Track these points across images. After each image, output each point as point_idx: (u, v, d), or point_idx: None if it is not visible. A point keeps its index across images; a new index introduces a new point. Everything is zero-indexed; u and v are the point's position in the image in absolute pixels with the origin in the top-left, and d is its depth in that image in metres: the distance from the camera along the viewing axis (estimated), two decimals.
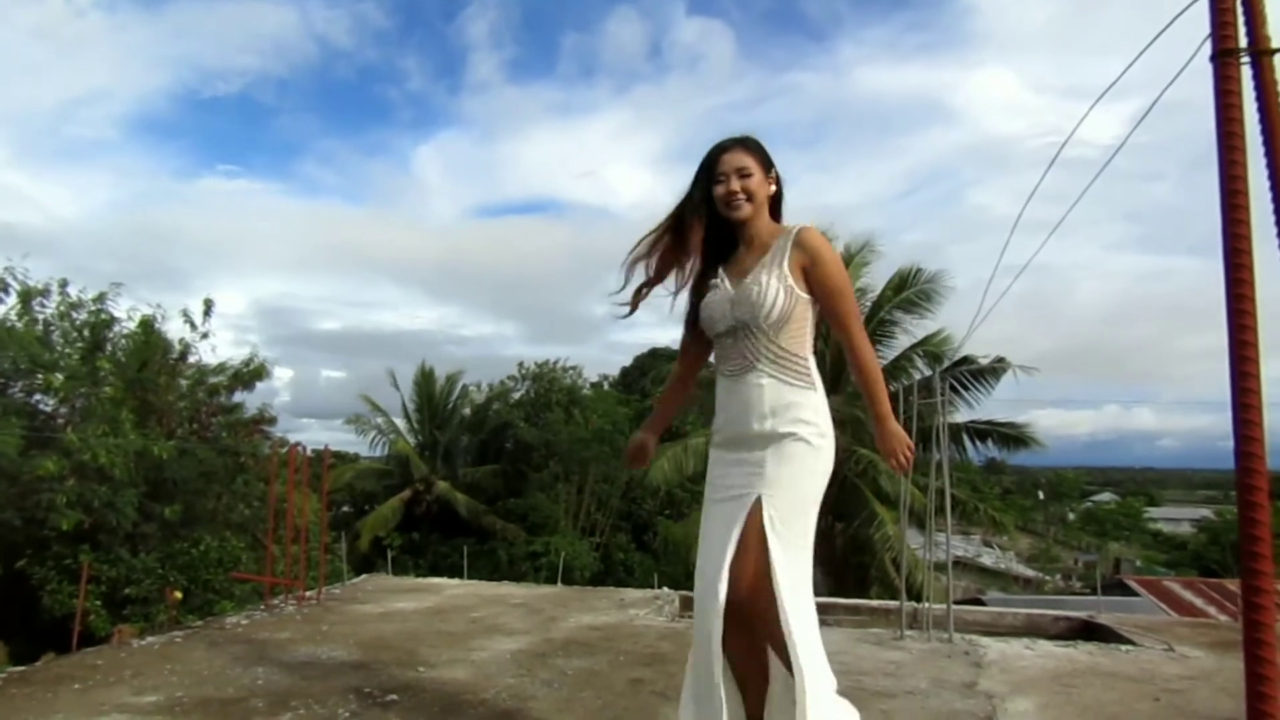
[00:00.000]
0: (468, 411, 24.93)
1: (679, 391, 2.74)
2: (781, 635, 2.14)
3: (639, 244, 2.48)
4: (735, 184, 2.33)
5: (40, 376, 10.52)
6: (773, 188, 2.42)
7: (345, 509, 23.66)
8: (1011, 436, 15.40)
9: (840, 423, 14.37)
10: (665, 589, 6.79)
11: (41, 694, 3.40)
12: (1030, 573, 39.71)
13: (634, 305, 2.54)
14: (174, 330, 12.65)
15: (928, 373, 14.78)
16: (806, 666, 2.13)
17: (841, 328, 2.37)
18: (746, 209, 2.35)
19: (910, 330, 15.49)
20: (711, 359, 2.57)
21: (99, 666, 3.86)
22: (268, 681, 3.64)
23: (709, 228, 2.46)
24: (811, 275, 2.32)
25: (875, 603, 6.58)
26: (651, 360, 29.55)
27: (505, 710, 3.26)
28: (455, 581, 7.12)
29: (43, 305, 11.14)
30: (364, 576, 7.32)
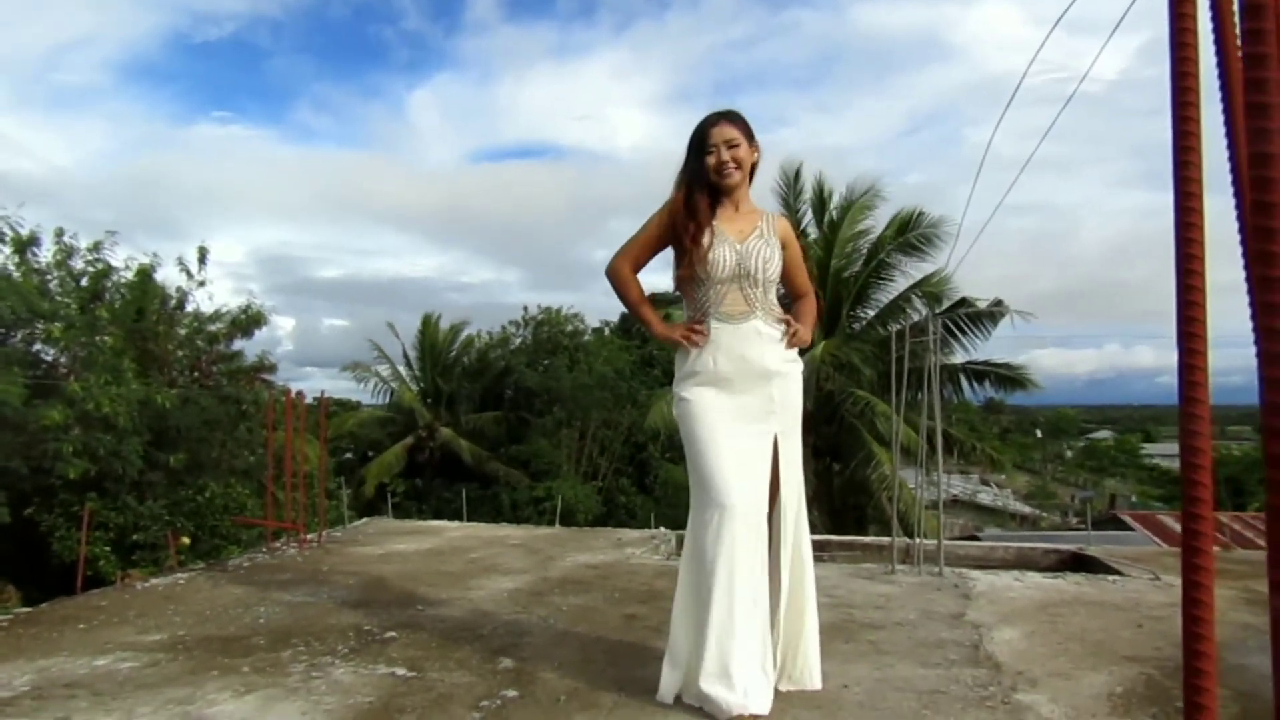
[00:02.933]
0: (468, 360, 24.94)
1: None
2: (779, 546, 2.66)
3: (687, 254, 2.68)
4: (725, 154, 2.63)
5: (40, 326, 10.51)
6: (756, 155, 2.74)
7: (348, 456, 23.83)
8: (1008, 378, 15.44)
9: (839, 365, 14.46)
10: (662, 529, 6.87)
11: (47, 634, 3.47)
12: (1027, 510, 40.18)
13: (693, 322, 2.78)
14: (170, 278, 12.59)
15: (925, 313, 14.76)
16: (809, 573, 2.72)
17: (802, 291, 2.96)
18: (737, 177, 2.67)
19: (908, 272, 15.44)
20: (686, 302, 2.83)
21: (103, 607, 3.93)
22: (269, 620, 3.71)
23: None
24: (786, 251, 2.78)
25: (868, 539, 6.66)
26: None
27: (501, 645, 3.33)
28: (455, 524, 7.20)
29: (35, 254, 11.06)
30: (365, 520, 7.42)
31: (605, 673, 2.98)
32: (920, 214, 15.19)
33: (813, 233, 15.72)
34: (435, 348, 23.99)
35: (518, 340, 24.89)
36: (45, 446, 9.64)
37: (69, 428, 9.75)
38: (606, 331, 27.58)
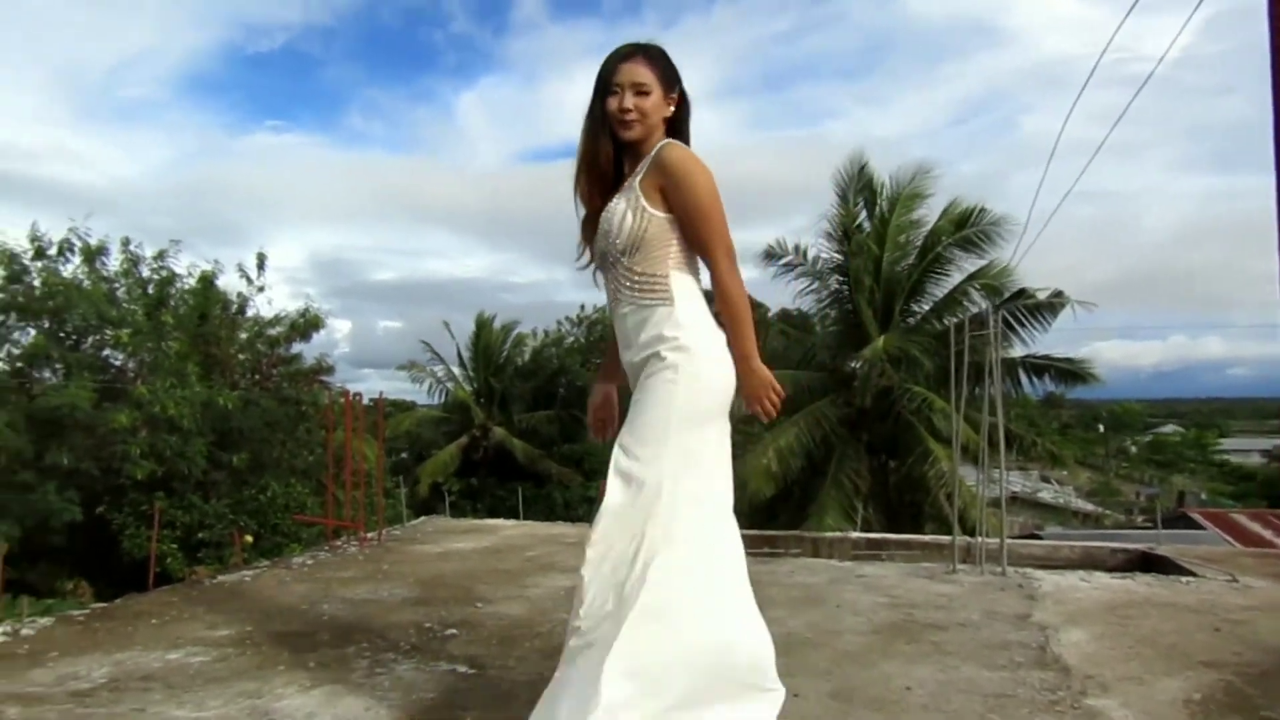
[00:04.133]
0: (520, 361, 25.17)
1: None
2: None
3: (577, 193, 2.23)
4: (629, 100, 2.06)
5: (109, 332, 10.90)
6: (671, 109, 2.15)
7: (404, 455, 24.23)
8: (1069, 372, 15.04)
9: (894, 360, 14.26)
10: None
11: (122, 628, 3.58)
12: (1090, 507, 39.11)
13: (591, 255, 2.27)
14: (231, 284, 12.96)
15: (984, 306, 14.46)
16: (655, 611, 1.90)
17: (704, 252, 2.11)
18: (637, 130, 2.09)
19: (964, 267, 15.11)
20: None
21: (174, 603, 4.04)
22: (332, 617, 3.78)
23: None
24: (671, 196, 2.06)
25: (928, 537, 6.56)
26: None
27: (559, 644, 3.32)
28: (511, 522, 7.27)
29: (103, 263, 11.47)
30: (423, 519, 7.52)
31: None
32: (981, 210, 14.81)
33: (866, 227, 15.51)
34: (489, 348, 24.24)
35: (571, 339, 25.05)
36: (114, 448, 9.98)
37: (137, 430, 10.08)
38: None
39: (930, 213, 15.44)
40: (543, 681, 2.87)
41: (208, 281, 12.48)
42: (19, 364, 10.78)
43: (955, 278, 15.16)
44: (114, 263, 11.63)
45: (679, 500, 1.97)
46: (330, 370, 14.35)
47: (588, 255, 2.25)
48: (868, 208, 15.67)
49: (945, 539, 5.76)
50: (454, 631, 3.52)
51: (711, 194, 2.07)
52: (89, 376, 10.17)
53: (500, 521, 7.31)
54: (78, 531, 10.51)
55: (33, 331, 10.78)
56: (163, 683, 2.87)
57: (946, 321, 14.31)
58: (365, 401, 7.20)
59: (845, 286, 15.35)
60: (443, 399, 24.56)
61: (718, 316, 2.14)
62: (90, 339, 11.25)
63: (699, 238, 2.08)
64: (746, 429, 21.65)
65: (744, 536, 2.28)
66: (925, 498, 14.77)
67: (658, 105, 2.09)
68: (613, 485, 2.02)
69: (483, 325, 24.33)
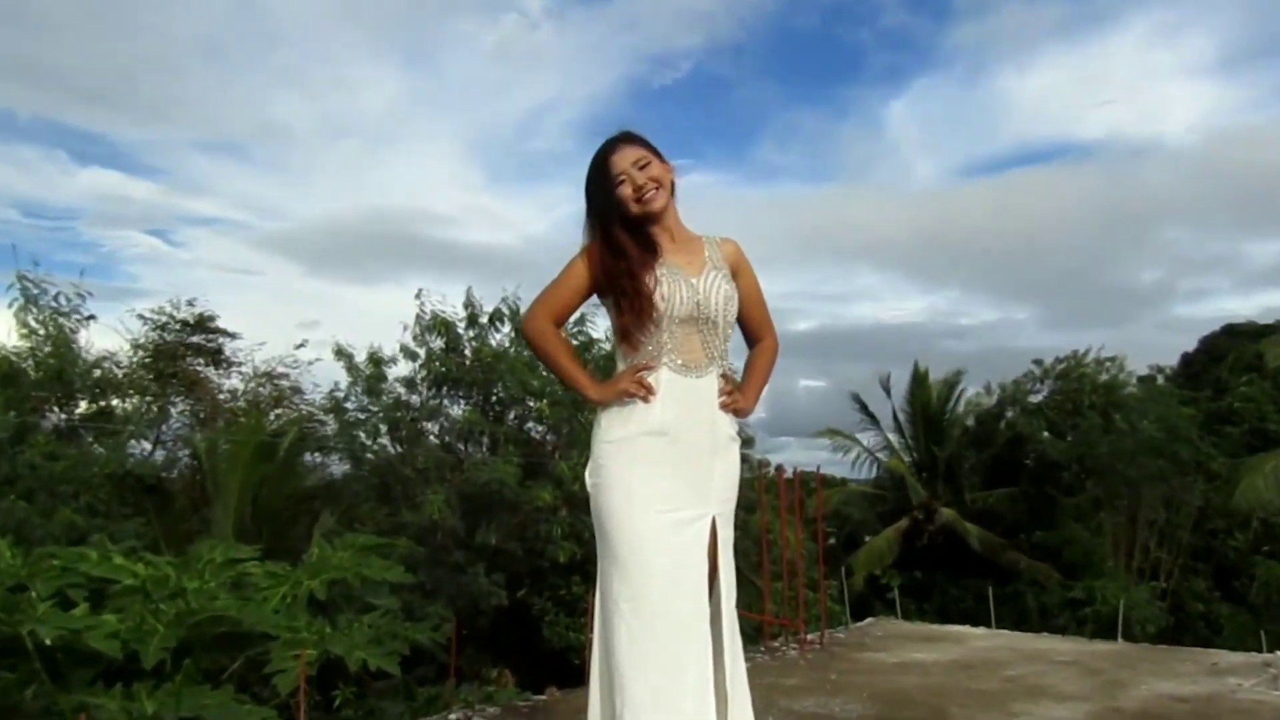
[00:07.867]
0: (971, 422, 24.32)
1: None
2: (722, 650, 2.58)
3: (627, 310, 2.61)
4: (640, 177, 2.60)
5: (532, 404, 12.50)
6: (672, 173, 2.71)
7: (831, 540, 24.42)
8: None
9: None
10: (1278, 653, 6.00)
11: None
12: None
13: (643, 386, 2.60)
14: None
15: None
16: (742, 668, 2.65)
17: (763, 326, 2.88)
18: (661, 198, 2.63)
19: None
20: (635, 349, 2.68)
21: None
22: None
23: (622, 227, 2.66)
24: (740, 279, 2.75)
25: None
26: (1227, 340, 26.02)
27: None
28: (980, 630, 7.03)
29: None
30: (870, 620, 7.55)
31: None
32: None
33: None
34: (927, 409, 23.68)
35: (1038, 395, 23.57)
36: (538, 528, 11.36)
37: (557, 509, 11.38)
38: (1159, 379, 25.03)
39: None
40: None
41: None
42: (446, 438, 12.77)
43: None
44: None
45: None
46: (749, 441, 15.02)
47: (649, 311, 2.60)
48: None
49: None
50: None
51: None
52: (513, 451, 11.73)
53: (965, 629, 7.10)
54: (500, 615, 12.06)
55: (464, 404, 12.69)
56: None
57: None
58: (786, 475, 7.48)
59: None
60: (873, 471, 24.53)
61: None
62: (513, 411, 12.97)
63: (760, 314, 2.86)
64: None
65: None
66: None
67: (664, 171, 2.66)
68: (724, 570, 2.60)
69: (919, 380, 23.84)
